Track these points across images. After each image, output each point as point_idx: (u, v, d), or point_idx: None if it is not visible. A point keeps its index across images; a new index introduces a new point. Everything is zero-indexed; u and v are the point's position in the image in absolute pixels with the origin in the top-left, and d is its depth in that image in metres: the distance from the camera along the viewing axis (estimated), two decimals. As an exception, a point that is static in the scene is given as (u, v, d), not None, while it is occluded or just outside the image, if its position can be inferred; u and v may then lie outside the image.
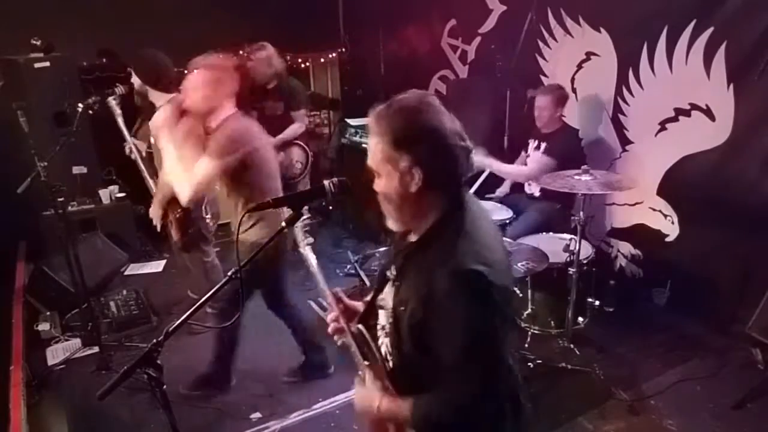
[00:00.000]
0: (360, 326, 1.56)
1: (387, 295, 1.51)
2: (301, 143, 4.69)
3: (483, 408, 1.34)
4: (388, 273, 1.53)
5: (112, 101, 3.35)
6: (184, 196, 2.75)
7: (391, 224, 1.47)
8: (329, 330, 1.66)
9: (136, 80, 3.41)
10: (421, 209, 1.40)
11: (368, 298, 1.67)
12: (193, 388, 3.17)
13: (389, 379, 1.48)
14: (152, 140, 3.46)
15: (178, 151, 2.72)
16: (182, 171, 2.70)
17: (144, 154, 3.59)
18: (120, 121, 3.41)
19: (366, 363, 1.55)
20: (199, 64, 2.70)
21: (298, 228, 1.72)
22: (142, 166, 3.49)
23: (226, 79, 2.70)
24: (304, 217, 1.64)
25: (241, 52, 4.62)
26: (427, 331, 1.33)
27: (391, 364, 1.50)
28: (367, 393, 1.54)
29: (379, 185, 1.42)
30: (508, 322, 1.38)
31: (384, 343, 1.53)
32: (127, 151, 3.52)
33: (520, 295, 3.44)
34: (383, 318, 1.53)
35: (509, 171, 4.03)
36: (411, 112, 1.35)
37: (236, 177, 2.70)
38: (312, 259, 1.71)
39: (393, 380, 1.47)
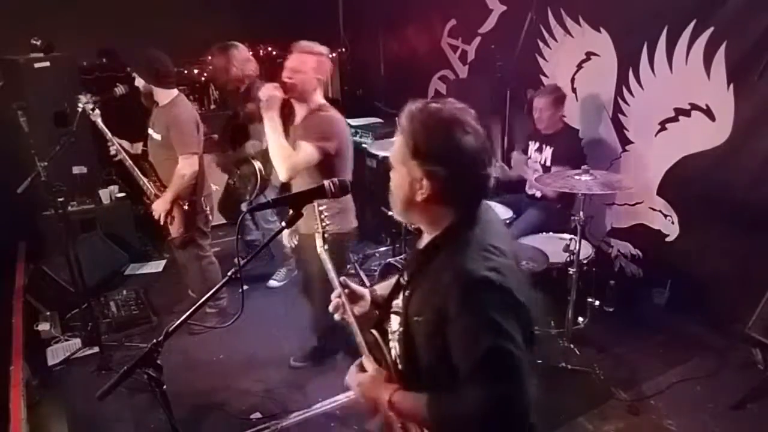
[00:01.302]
0: (374, 331, 1.57)
1: (400, 301, 1.51)
2: (253, 162, 4.01)
3: (514, 413, 1.28)
4: (401, 279, 1.53)
5: (88, 107, 3.32)
6: (283, 175, 2.83)
7: (394, 214, 1.48)
8: (330, 307, 1.70)
9: (140, 81, 3.41)
10: (425, 216, 1.41)
11: (377, 290, 1.72)
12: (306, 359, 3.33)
13: (400, 383, 1.47)
14: (155, 135, 3.46)
15: (278, 131, 2.80)
16: (283, 150, 2.78)
17: (132, 152, 3.58)
18: (99, 122, 3.38)
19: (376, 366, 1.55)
20: (301, 48, 2.83)
21: (318, 230, 1.83)
22: (132, 165, 3.48)
23: (322, 64, 2.83)
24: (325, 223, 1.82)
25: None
26: (444, 339, 1.31)
27: (400, 367, 1.50)
28: (372, 381, 1.50)
29: (393, 179, 1.43)
30: (522, 331, 1.31)
31: (394, 347, 1.53)
32: (113, 151, 3.47)
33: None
34: (395, 323, 1.53)
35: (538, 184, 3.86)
36: (441, 126, 1.33)
37: (323, 162, 2.79)
38: (326, 257, 1.83)
39: (404, 385, 1.47)
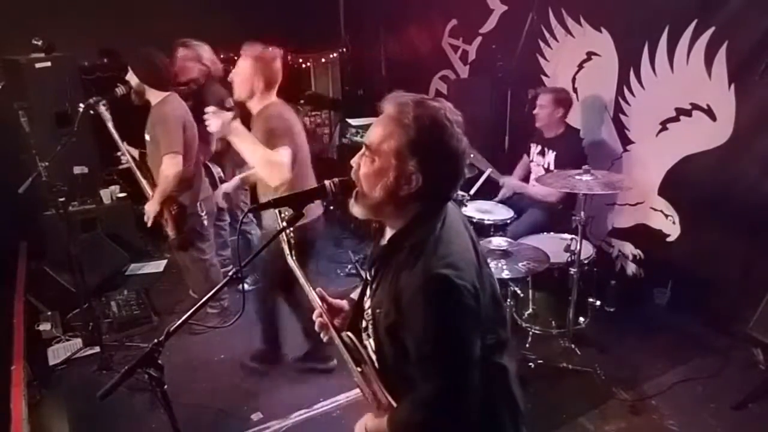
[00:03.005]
0: (349, 333, 1.55)
1: (367, 297, 1.51)
2: (208, 163, 3.94)
3: (460, 409, 1.31)
4: (366, 275, 1.53)
5: (102, 107, 3.29)
6: (277, 181, 2.71)
7: (357, 210, 1.41)
8: (315, 327, 1.66)
9: (133, 79, 3.37)
10: (399, 210, 1.38)
11: (355, 297, 1.66)
12: (253, 360, 3.36)
13: (380, 380, 1.48)
14: (147, 136, 3.45)
15: (253, 145, 2.70)
16: (264, 161, 2.69)
17: (137, 157, 3.54)
18: (110, 126, 3.35)
19: (358, 369, 1.53)
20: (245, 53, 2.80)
21: (283, 238, 1.71)
22: (137, 171, 3.47)
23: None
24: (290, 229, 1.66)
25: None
26: (400, 331, 1.33)
27: (377, 365, 1.50)
28: (360, 426, 1.55)
29: (368, 168, 1.36)
30: (483, 323, 1.34)
31: (368, 345, 1.53)
32: (123, 160, 3.46)
33: (521, 294, 3.45)
34: (365, 320, 1.54)
35: (537, 192, 3.87)
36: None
37: None
38: (296, 267, 1.72)
39: (383, 381, 1.47)
